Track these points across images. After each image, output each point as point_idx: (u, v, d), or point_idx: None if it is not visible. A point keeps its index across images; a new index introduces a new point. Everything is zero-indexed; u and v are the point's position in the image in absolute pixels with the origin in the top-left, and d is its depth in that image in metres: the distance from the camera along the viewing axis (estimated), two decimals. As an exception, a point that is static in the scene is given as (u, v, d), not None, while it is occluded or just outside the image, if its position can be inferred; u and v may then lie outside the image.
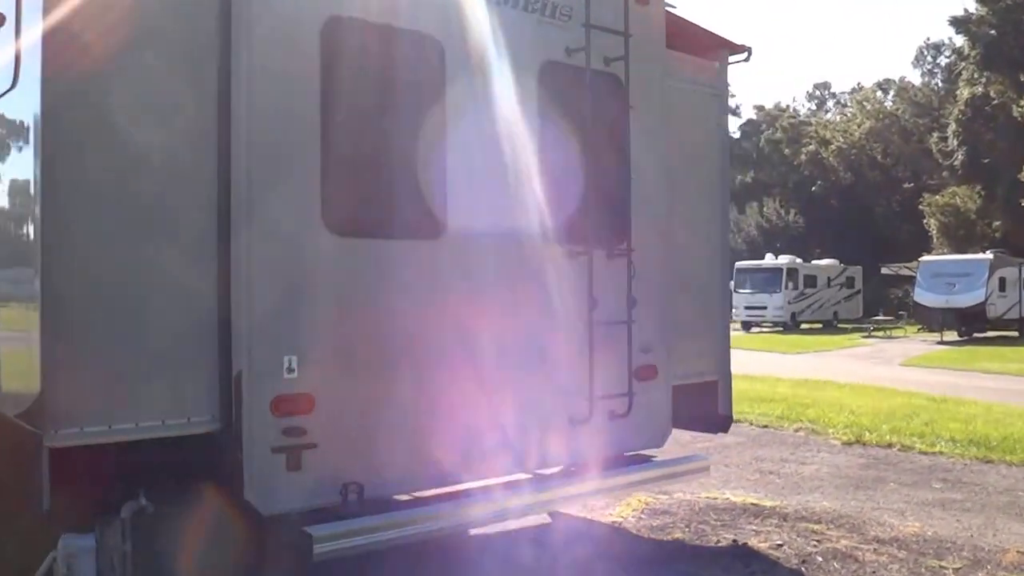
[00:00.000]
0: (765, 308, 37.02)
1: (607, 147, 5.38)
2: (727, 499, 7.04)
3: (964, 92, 41.74)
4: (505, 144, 4.98)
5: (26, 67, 3.87)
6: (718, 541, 5.89)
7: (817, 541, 5.84)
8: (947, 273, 30.50)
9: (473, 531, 5.77)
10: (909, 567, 5.38)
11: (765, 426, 10.87)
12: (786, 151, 60.68)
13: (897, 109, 54.57)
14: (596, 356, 5.15)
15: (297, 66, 4.19)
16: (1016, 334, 30.80)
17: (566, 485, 5.07)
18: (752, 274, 37.92)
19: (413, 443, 4.48)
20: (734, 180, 61.56)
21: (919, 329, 33.14)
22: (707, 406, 6.33)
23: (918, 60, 58.01)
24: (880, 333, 32.55)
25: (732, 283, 37.83)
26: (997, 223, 41.10)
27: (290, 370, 4.11)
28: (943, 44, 54.57)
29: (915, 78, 58.43)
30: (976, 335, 30.27)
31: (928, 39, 58.52)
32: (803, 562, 5.45)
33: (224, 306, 4.04)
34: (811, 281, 38.57)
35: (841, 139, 55.67)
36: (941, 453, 9.09)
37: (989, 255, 31.22)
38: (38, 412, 3.62)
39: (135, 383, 3.84)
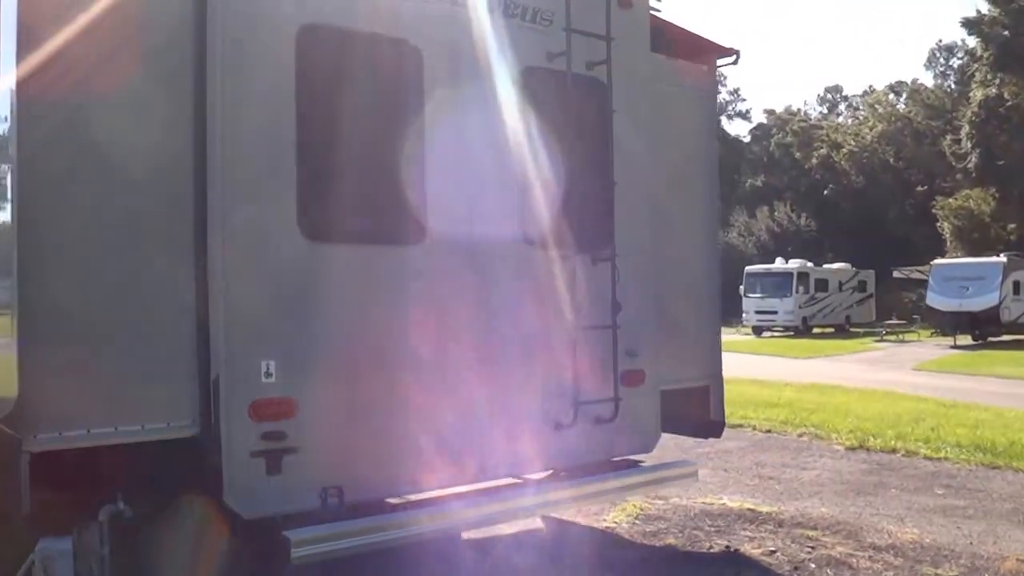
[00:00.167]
0: (776, 313, 36.78)
1: (590, 151, 5.33)
2: (723, 504, 6.95)
3: (977, 94, 41.39)
4: (485, 149, 4.96)
5: None
6: (710, 547, 5.81)
7: (811, 548, 5.76)
8: (960, 276, 30.18)
9: (465, 535, 5.76)
10: (904, 575, 5.28)
11: (768, 431, 10.76)
12: (797, 155, 60.39)
13: (910, 112, 54.20)
14: (580, 361, 5.11)
15: (271, 74, 4.19)
16: (1031, 338, 30.44)
17: (547, 491, 5.03)
18: (762, 278, 37.71)
19: (394, 447, 4.45)
20: (744, 184, 61.46)
21: (932, 333, 32.82)
22: (699, 411, 6.27)
23: (930, 62, 57.76)
24: (892, 337, 32.26)
25: (742, 287, 37.72)
26: (1012, 226, 40.69)
27: (268, 374, 4.11)
28: (956, 46, 54.29)
29: (928, 80, 58.14)
30: (991, 339, 29.92)
31: (940, 41, 58.15)
32: (795, 569, 5.37)
33: (203, 311, 4.04)
34: (822, 285, 38.29)
35: (852, 142, 55.35)
36: (946, 459, 8.96)
37: (1003, 258, 30.86)
38: (17, 417, 3.62)
39: (114, 388, 3.84)
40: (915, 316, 35.84)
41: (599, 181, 5.39)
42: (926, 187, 50.18)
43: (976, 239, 41.19)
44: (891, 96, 59.99)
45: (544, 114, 5.17)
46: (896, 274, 37.57)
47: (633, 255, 5.49)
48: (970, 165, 42.07)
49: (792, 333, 36.29)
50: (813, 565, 5.43)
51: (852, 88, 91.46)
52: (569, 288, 5.13)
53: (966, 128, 42.38)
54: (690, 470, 5.48)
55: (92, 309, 3.81)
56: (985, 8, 40.07)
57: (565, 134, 5.17)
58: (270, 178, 4.19)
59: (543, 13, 5.21)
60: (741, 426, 11.08)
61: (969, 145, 42.01)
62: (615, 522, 6.38)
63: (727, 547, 5.77)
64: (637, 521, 6.42)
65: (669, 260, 5.99)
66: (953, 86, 54.15)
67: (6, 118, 3.79)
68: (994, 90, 39.79)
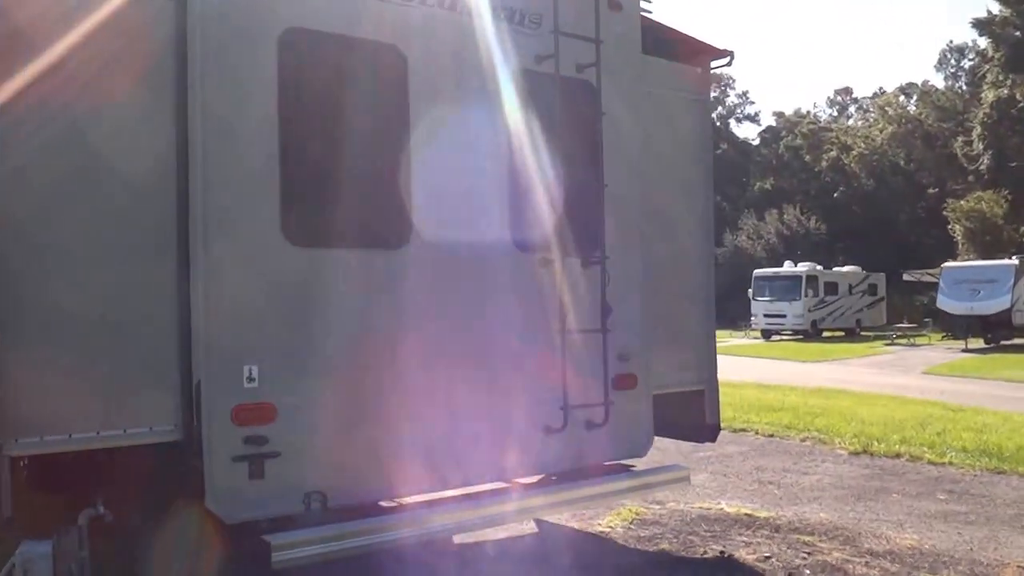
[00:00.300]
0: (785, 316, 36.49)
1: (579, 154, 5.29)
2: (720, 509, 6.88)
3: (989, 95, 41.13)
4: (472, 153, 4.93)
5: None
6: (704, 552, 5.74)
7: (807, 553, 5.68)
8: (970, 279, 29.87)
9: (457, 540, 5.72)
10: (900, 581, 5.21)
11: (771, 435, 10.66)
12: (806, 157, 60.11)
13: (920, 114, 53.84)
14: (570, 365, 5.07)
15: (253, 79, 4.18)
16: (1044, 341, 30.12)
17: (534, 496, 4.97)
18: (771, 282, 37.44)
19: (379, 452, 4.43)
20: (753, 187, 61.18)
21: (943, 337, 32.53)
22: (693, 415, 6.21)
23: (941, 63, 57.25)
24: (903, 341, 31.98)
25: (751, 291, 37.51)
26: (1024, 228, 40.35)
27: (251, 379, 4.10)
28: (967, 47, 53.87)
29: (939, 82, 57.73)
30: (1003, 343, 29.62)
31: (951, 42, 57.83)
32: (789, 574, 5.29)
33: (185, 317, 4.04)
34: (832, 288, 37.99)
35: (863, 145, 55.04)
36: (951, 464, 8.84)
37: (1015, 260, 30.53)
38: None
39: (96, 393, 3.85)
40: (926, 319, 35.50)
41: (589, 184, 5.35)
42: (937, 189, 49.85)
43: (988, 242, 40.79)
44: (902, 98, 59.63)
45: (532, 117, 5.13)
46: (906, 277, 37.24)
47: (625, 258, 5.44)
48: (982, 167, 41.79)
49: (801, 337, 36.02)
50: (808, 571, 5.35)
51: (862, 90, 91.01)
52: (558, 292, 5.10)
53: (977, 130, 42.11)
54: (682, 474, 5.41)
55: (75, 314, 3.81)
56: (996, 9, 39.86)
57: (554, 137, 5.14)
58: (253, 183, 4.18)
59: (531, 16, 5.18)
60: (744, 430, 11.00)
61: (981, 147, 41.74)
62: (609, 527, 6.32)
63: (721, 552, 5.70)
64: (632, 526, 6.36)
65: (663, 263, 5.94)
66: (964, 87, 53.75)
67: None
68: (1006, 91, 39.53)
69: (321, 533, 3.95)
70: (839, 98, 73.06)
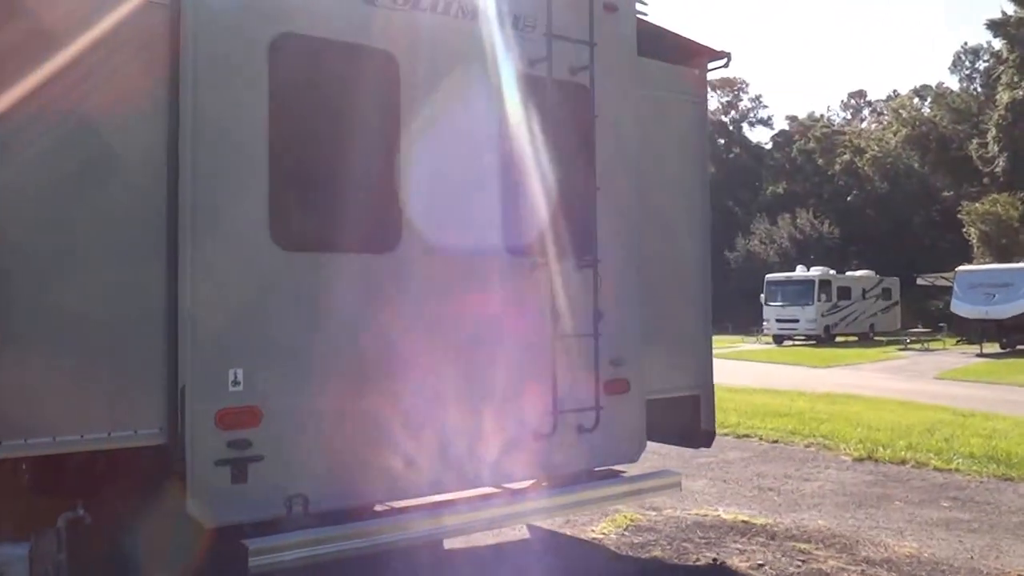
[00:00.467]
0: (797, 321, 36.25)
1: (572, 157, 5.24)
2: (717, 516, 6.80)
3: (1004, 96, 40.76)
4: (464, 157, 4.90)
5: None
6: (697, 560, 5.67)
7: (802, 561, 5.59)
8: (986, 283, 29.56)
9: (448, 545, 5.69)
10: (897, 590, 5.12)
11: (775, 441, 10.56)
12: (819, 161, 59.76)
13: (935, 116, 53.42)
14: (560, 369, 5.01)
15: (244, 83, 4.17)
16: (1061, 346, 29.74)
17: (520, 501, 4.92)
18: (783, 286, 37.22)
19: (364, 457, 4.39)
20: (765, 191, 60.89)
21: (958, 341, 32.21)
22: (688, 421, 6.12)
23: (956, 65, 56.76)
24: (917, 346, 31.69)
25: (763, 296, 37.29)
26: (1041, 231, 39.91)
27: (236, 383, 4.08)
28: (981, 48, 53.40)
29: (953, 84, 57.23)
30: (1019, 347, 29.27)
31: (966, 43, 57.32)
32: (783, 584, 5.22)
33: (173, 320, 4.02)
34: (845, 293, 37.71)
35: (876, 148, 54.66)
36: (957, 470, 8.72)
37: (1030, 264, 30.25)
38: None
39: (81, 396, 3.83)
40: (941, 324, 35.19)
41: (582, 187, 5.29)
42: (952, 192, 49.41)
43: (1004, 245, 40.42)
44: (916, 100, 59.21)
45: (525, 121, 5.10)
46: (920, 281, 36.90)
47: (619, 262, 5.39)
48: (997, 169, 41.40)
49: (814, 342, 35.76)
50: (802, 580, 5.27)
51: (876, 93, 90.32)
52: (549, 296, 5.05)
53: (993, 132, 41.73)
54: (673, 480, 5.34)
55: (61, 318, 3.79)
56: (1011, 10, 39.49)
57: (547, 140, 5.10)
58: (242, 187, 4.16)
59: (525, 19, 5.14)
60: (748, 436, 10.90)
61: (996, 149, 41.35)
62: (603, 533, 6.26)
63: (714, 560, 5.63)
64: (626, 532, 6.29)
65: (658, 266, 5.88)
66: (979, 89, 53.28)
67: None
68: (1021, 93, 39.18)
69: (301, 537, 3.91)
70: (853, 101, 72.65)
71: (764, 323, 37.46)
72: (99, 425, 3.84)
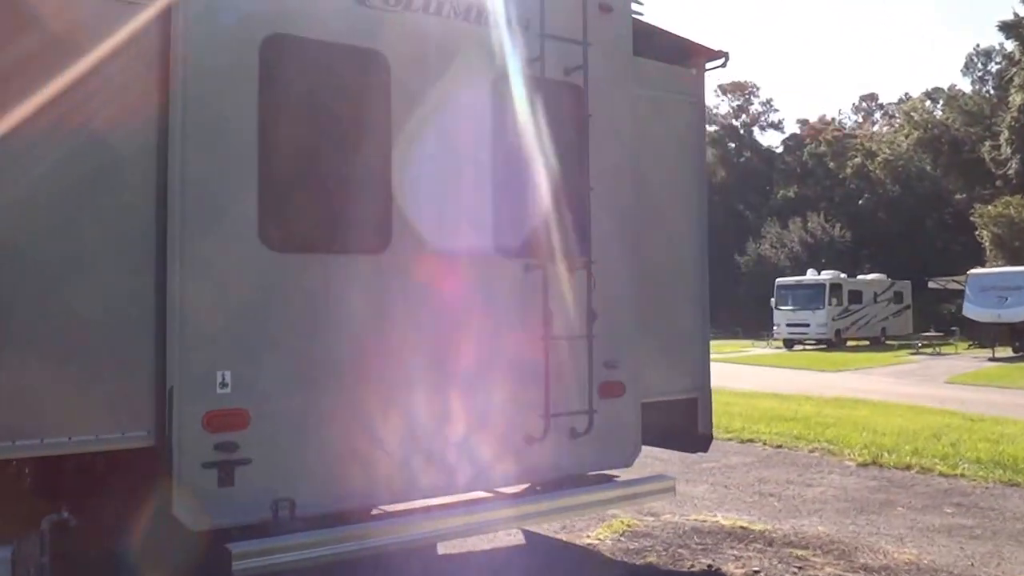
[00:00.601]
0: (808, 325, 36.04)
1: (566, 158, 5.19)
2: (716, 522, 6.72)
3: (1016, 98, 40.42)
4: (456, 157, 4.86)
5: None
6: (692, 566, 5.60)
7: (798, 567, 5.51)
8: (998, 286, 29.30)
9: (441, 551, 5.65)
10: (894, 598, 5.04)
11: (779, 446, 10.45)
12: (831, 164, 59.45)
13: (947, 118, 53.05)
14: (553, 372, 4.96)
15: (234, 84, 4.15)
16: (1075, 349, 29.42)
17: (508, 506, 4.86)
18: (793, 291, 37.05)
19: (353, 460, 4.35)
20: (776, 195, 60.62)
21: (970, 345, 31.93)
22: (685, 424, 6.05)
23: (968, 67, 56.34)
24: (929, 350, 31.44)
25: (773, 300, 37.10)
26: (1054, 234, 39.52)
27: (224, 385, 4.05)
28: (993, 50, 52.99)
29: (965, 86, 56.79)
30: (1032, 351, 29.01)
31: (978, 45, 56.83)
32: (778, 591, 5.15)
33: (162, 322, 4.00)
34: (856, 297, 37.48)
35: (887, 151, 54.33)
36: (962, 476, 8.59)
37: (1044, 267, 29.94)
38: None
39: (68, 398, 3.80)
40: (954, 328, 34.90)
41: (576, 188, 5.24)
42: (964, 195, 49.03)
43: (1017, 247, 40.03)
44: (928, 103, 58.80)
45: (518, 121, 5.06)
46: (931, 284, 36.63)
47: (614, 263, 5.33)
48: (1010, 171, 41.05)
49: (825, 346, 35.55)
50: (798, 587, 5.20)
51: (888, 96, 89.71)
52: (542, 297, 5.00)
53: (1005, 134, 41.39)
54: (667, 485, 5.27)
55: (49, 320, 3.77)
56: (1023, 11, 39.14)
57: (540, 141, 5.06)
58: (231, 188, 4.14)
59: (518, 19, 5.10)
60: (751, 441, 10.80)
61: (1009, 151, 41.00)
62: (598, 539, 6.19)
63: (709, 567, 5.55)
64: (622, 538, 6.22)
65: (654, 268, 5.82)
66: (991, 91, 52.86)
67: None
68: (1034, 95, 38.80)
69: (286, 542, 3.87)
70: (864, 104, 72.29)
71: (774, 327, 37.26)
72: (87, 427, 3.82)
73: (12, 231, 3.71)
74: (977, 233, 43.31)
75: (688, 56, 6.35)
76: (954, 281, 34.24)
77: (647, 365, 5.60)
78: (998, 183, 43.85)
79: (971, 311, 29.73)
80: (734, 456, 9.78)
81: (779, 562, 5.63)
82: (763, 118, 72.07)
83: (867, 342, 37.58)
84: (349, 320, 4.40)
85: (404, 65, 4.63)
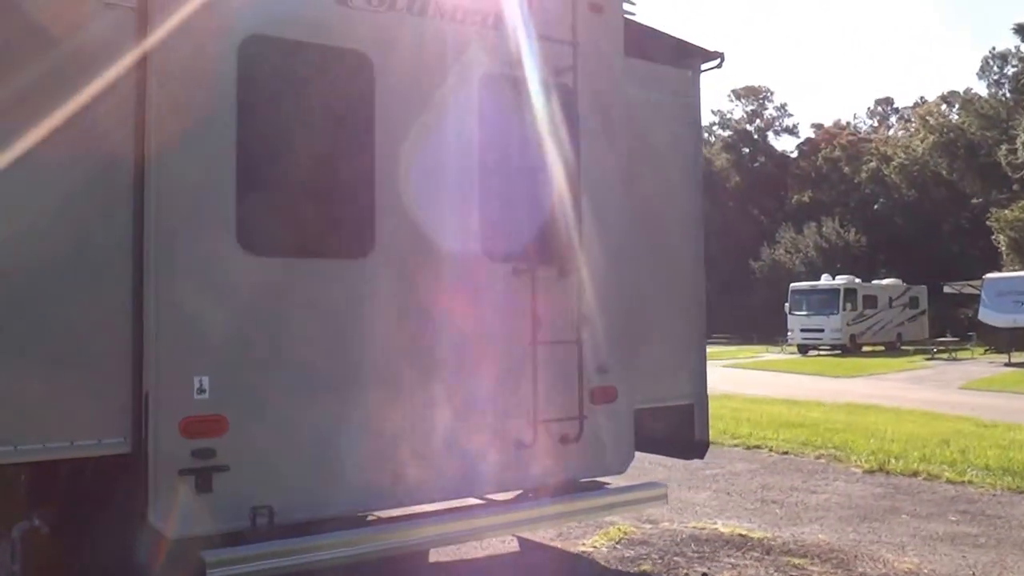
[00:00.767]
0: (822, 331, 35.70)
1: (555, 160, 5.13)
2: (714, 529, 6.62)
3: (1033, 102, 39.92)
4: (442, 160, 4.80)
5: None
6: (687, 574, 5.51)
7: (795, 577, 5.42)
8: (1014, 290, 28.91)
9: (432, 558, 5.59)
10: (892, 607, 4.92)
11: (785, 452, 10.31)
12: (845, 169, 59.02)
13: (963, 122, 52.51)
14: (541, 378, 4.89)
15: (211, 86, 4.11)
16: (1093, 355, 28.98)
17: (493, 514, 4.80)
18: (808, 295, 36.71)
19: (334, 467, 4.29)
20: (791, 200, 60.25)
21: (986, 350, 31.52)
22: (682, 431, 5.97)
23: (983, 70, 55.73)
24: (944, 355, 31.04)
25: (787, 305, 36.80)
26: (1073, 238, 39.01)
27: (201, 391, 4.00)
28: (1009, 53, 52.41)
29: (981, 89, 56.18)
30: (1050, 356, 28.59)
31: (993, 48, 56.04)
32: (772, 600, 5.04)
33: (138, 326, 3.96)
34: (871, 302, 37.10)
35: (903, 155, 53.90)
36: (970, 483, 8.45)
37: (1061, 271, 29.53)
38: None
39: (43, 404, 3.76)
40: (970, 333, 34.49)
41: (565, 191, 5.19)
42: (981, 199, 48.50)
43: (1034, 252, 39.57)
44: (943, 107, 58.27)
45: (506, 123, 5.01)
46: (947, 289, 36.21)
47: (605, 267, 5.26)
48: (1027, 175, 40.52)
49: (839, 352, 35.19)
50: (793, 596, 5.10)
51: (903, 100, 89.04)
52: (531, 302, 4.94)
53: (1022, 137, 40.90)
54: (658, 492, 5.18)
55: (22, 324, 3.74)
56: (1039, 14, 38.68)
57: (527, 142, 5.01)
58: (208, 191, 4.10)
59: (505, 19, 5.05)
60: (758, 447, 10.68)
61: (1025, 155, 40.48)
62: (593, 546, 6.11)
63: (704, 574, 5.46)
64: (618, 546, 6.14)
65: (648, 272, 5.74)
66: (1008, 94, 52.28)
67: None
68: (1050, 98, 38.33)
69: (261, 550, 3.82)
70: (879, 108, 71.72)
71: (788, 333, 36.95)
72: (62, 434, 3.78)
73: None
74: (993, 237, 42.83)
75: (683, 57, 6.29)
76: (969, 286, 33.85)
77: (642, 371, 5.52)
78: (1015, 187, 43.34)
79: (987, 316, 29.38)
80: (739, 463, 9.66)
81: (775, 571, 5.53)
82: (777, 123, 71.62)
83: (882, 347, 37.18)
84: (331, 325, 4.35)
85: (388, 66, 4.58)
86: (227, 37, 4.14)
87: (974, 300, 34.29)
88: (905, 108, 68.04)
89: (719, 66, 6.35)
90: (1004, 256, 41.62)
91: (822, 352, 35.96)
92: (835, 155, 60.93)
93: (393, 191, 4.57)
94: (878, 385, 20.99)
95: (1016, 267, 37.79)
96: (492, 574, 5.55)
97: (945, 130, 52.87)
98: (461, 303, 4.80)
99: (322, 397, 4.29)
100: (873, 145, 58.22)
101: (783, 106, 72.95)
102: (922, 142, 53.83)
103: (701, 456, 6.04)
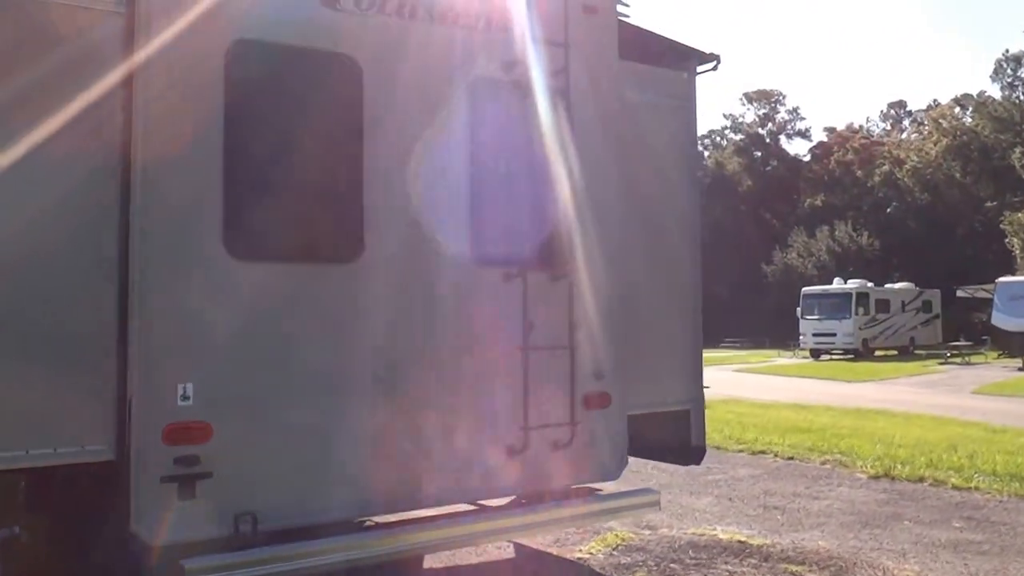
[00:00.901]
0: (834, 335, 35.48)
1: (547, 164, 5.09)
2: (714, 536, 6.55)
3: (1047, 104, 39.53)
4: (431, 163, 4.76)
5: None
6: (682, 583, 5.46)
7: (792, 585, 5.35)
8: (1028, 295, 28.64)
9: (427, 564, 5.55)
10: (889, 616, 4.85)
11: (790, 458, 10.22)
12: (858, 173, 58.67)
13: (976, 125, 52.14)
14: (532, 383, 4.84)
15: (198, 90, 4.10)
16: (1108, 359, 28.60)
17: (478, 520, 4.75)
18: (820, 300, 36.50)
19: (321, 474, 4.26)
20: (803, 204, 59.95)
21: (999, 355, 31.18)
22: (678, 436, 5.90)
23: (997, 73, 55.27)
24: (957, 359, 30.75)
25: (799, 309, 36.58)
26: (1088, 241, 38.58)
27: (185, 397, 3.98)
28: (1023, 55, 51.99)
29: (995, 92, 55.72)
30: (1063, 361, 28.24)
31: (1007, 51, 55.50)
32: (767, 608, 4.98)
33: (122, 332, 3.95)
34: (884, 306, 36.83)
35: (916, 158, 53.53)
36: (976, 489, 8.34)
37: (1075, 274, 29.19)
38: None
39: (26, 410, 3.75)
40: (984, 337, 34.16)
41: (558, 194, 5.15)
42: (995, 203, 48.07)
43: (1049, 256, 39.17)
44: (957, 110, 57.83)
45: (497, 126, 4.98)
46: (960, 293, 35.87)
47: (598, 271, 5.21)
48: (1041, 178, 40.13)
49: (852, 356, 34.94)
50: (789, 604, 5.03)
51: (916, 103, 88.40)
52: (522, 307, 4.90)
53: (1036, 140, 40.50)
54: (650, 499, 5.12)
55: (4, 330, 3.74)
56: (1053, 15, 38.33)
57: (520, 146, 4.97)
58: (195, 195, 4.09)
59: (496, 22, 5.03)
60: (763, 452, 10.59)
61: (1040, 158, 40.10)
62: (590, 553, 6.06)
63: (699, 582, 5.41)
64: (615, 552, 6.09)
65: (644, 275, 5.69)
66: (1021, 97, 51.85)
67: None
68: (1065, 100, 37.96)
69: (242, 557, 3.79)
70: (892, 111, 71.23)
71: (800, 337, 36.73)
72: (45, 441, 3.76)
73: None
74: (1007, 241, 42.44)
75: (678, 59, 6.24)
76: (983, 289, 33.52)
77: (637, 376, 5.46)
78: (1030, 190, 42.95)
79: (1000, 320, 29.12)
80: (742, 468, 9.58)
81: (772, 578, 5.47)
82: (790, 126, 71.33)
83: (895, 352, 36.91)
84: (318, 331, 4.31)
85: (377, 70, 4.56)
86: (215, 41, 4.13)
87: (988, 304, 33.95)
88: (918, 111, 67.54)
89: (715, 68, 6.31)
90: (1018, 260, 41.23)
91: (834, 356, 35.73)
92: (848, 158, 60.60)
93: (382, 195, 4.55)
94: (889, 390, 20.80)
95: (1030, 270, 37.42)
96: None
97: (958, 133, 52.50)
98: (451, 308, 4.77)
99: (309, 404, 4.26)
100: (886, 148, 57.86)
101: (795, 109, 72.77)
102: (935, 145, 53.47)
103: (698, 462, 5.98)
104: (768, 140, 68.90)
